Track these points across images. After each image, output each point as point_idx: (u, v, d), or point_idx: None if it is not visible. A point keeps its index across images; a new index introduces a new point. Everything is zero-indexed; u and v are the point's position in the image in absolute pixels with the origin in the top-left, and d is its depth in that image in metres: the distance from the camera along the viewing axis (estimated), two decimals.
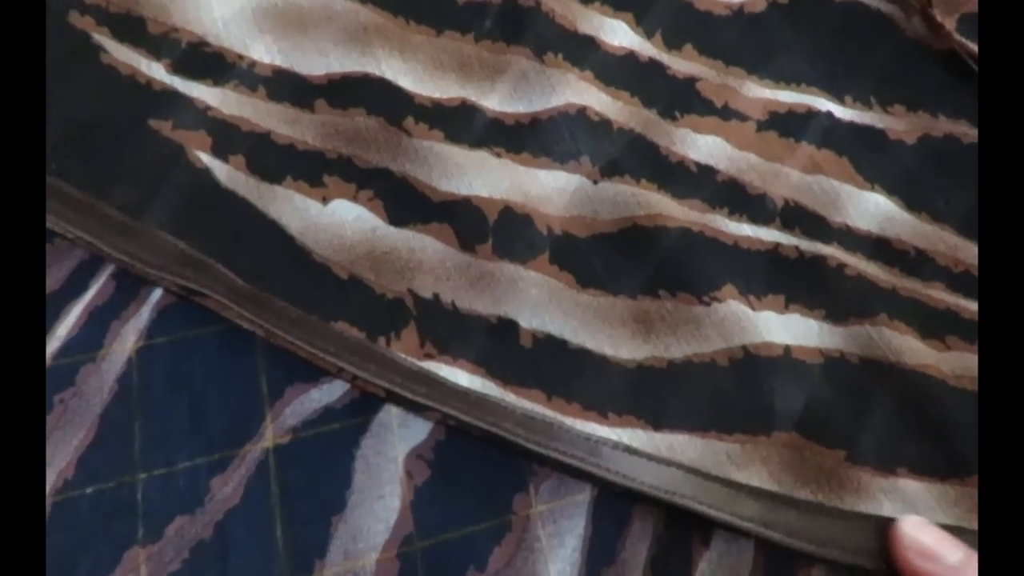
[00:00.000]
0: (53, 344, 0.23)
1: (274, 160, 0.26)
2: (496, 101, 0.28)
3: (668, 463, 0.22)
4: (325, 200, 0.26)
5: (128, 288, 0.24)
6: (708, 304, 0.25)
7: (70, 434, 0.22)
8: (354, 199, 0.26)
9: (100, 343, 0.23)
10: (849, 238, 0.26)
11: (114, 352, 0.23)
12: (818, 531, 0.22)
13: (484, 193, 0.27)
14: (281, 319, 0.24)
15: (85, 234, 0.24)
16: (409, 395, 0.23)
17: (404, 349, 0.24)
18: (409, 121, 0.27)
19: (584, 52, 0.30)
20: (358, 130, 0.27)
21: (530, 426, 0.23)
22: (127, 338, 0.23)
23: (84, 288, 0.24)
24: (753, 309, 0.25)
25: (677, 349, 0.24)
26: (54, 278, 0.24)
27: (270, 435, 0.22)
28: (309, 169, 0.26)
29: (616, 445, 0.23)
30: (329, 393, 0.23)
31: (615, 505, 0.22)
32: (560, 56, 0.29)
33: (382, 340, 0.24)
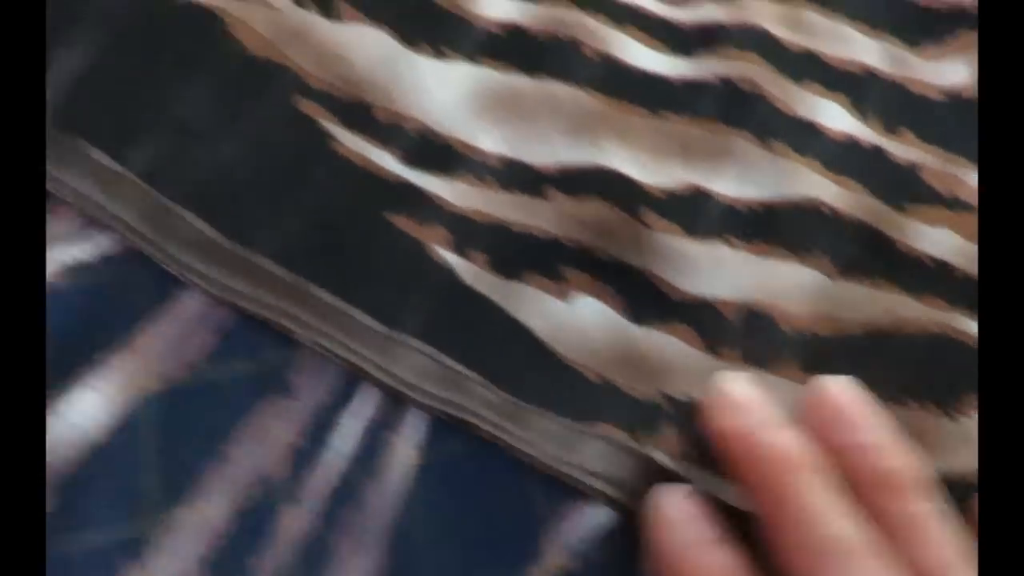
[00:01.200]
0: (329, 457, 0.23)
1: (514, 254, 0.26)
2: (725, 187, 0.28)
3: None
4: (567, 297, 0.26)
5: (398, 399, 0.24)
6: (954, 419, 0.25)
7: (358, 561, 0.22)
8: (596, 295, 0.26)
9: (377, 456, 0.23)
10: None
11: (392, 467, 0.23)
12: None
13: (725, 293, 0.26)
14: (545, 436, 0.24)
15: (345, 352, 0.24)
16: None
17: (668, 449, 0.24)
18: (646, 213, 0.27)
19: (806, 138, 0.29)
20: (597, 221, 0.27)
21: None
22: (404, 453, 0.23)
23: (349, 397, 0.24)
24: None
25: (928, 465, 0.24)
26: (322, 388, 0.24)
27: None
28: (549, 262, 0.26)
29: None
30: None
31: None
32: (784, 143, 0.29)
33: (645, 440, 0.24)
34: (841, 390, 0.21)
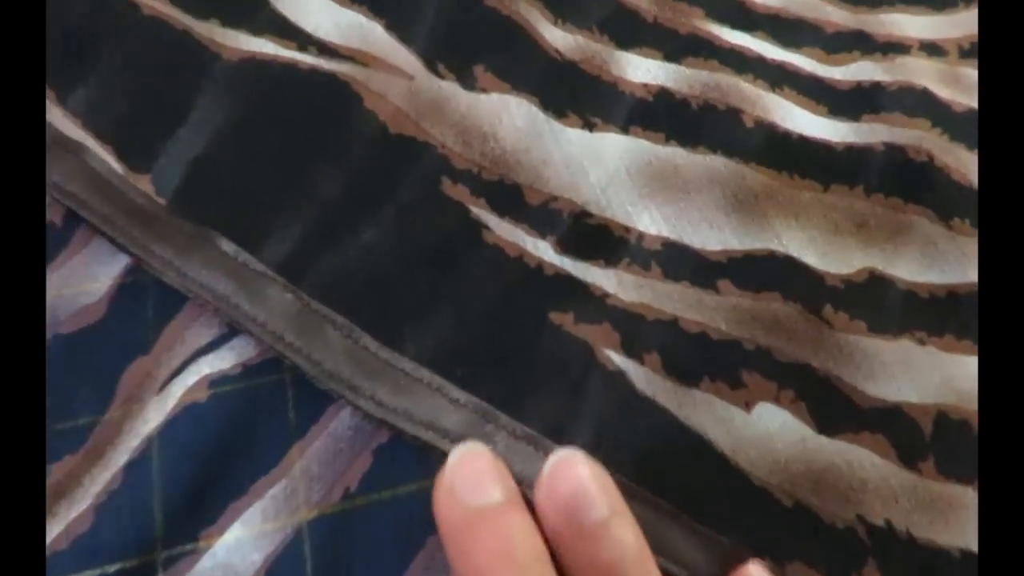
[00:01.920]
0: None
1: (689, 355, 0.23)
2: (905, 270, 0.25)
3: None
4: (748, 405, 0.22)
5: None
6: None
7: None
8: (776, 401, 0.23)
9: None
10: None
11: None
12: None
13: (915, 398, 0.23)
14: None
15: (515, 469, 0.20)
16: None
17: None
18: (828, 310, 0.24)
19: None
20: (776, 318, 0.23)
21: None
22: None
23: None
24: None
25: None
26: None
27: None
28: (727, 365, 0.23)
29: None
30: None
31: None
32: (967, 222, 0.25)
33: None
34: (571, 466, 0.18)
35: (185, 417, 0.20)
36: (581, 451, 0.18)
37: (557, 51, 0.27)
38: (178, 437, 0.20)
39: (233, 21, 0.25)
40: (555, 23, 0.27)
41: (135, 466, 0.19)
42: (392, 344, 0.22)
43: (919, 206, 0.26)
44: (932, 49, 0.30)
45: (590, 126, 0.25)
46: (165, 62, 0.24)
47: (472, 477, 0.17)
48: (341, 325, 0.21)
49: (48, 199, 0.22)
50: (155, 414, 0.20)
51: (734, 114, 0.26)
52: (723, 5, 0.29)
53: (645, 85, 0.26)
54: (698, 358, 0.23)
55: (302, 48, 0.25)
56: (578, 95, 0.26)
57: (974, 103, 0.28)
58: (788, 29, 0.29)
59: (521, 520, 0.17)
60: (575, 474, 0.17)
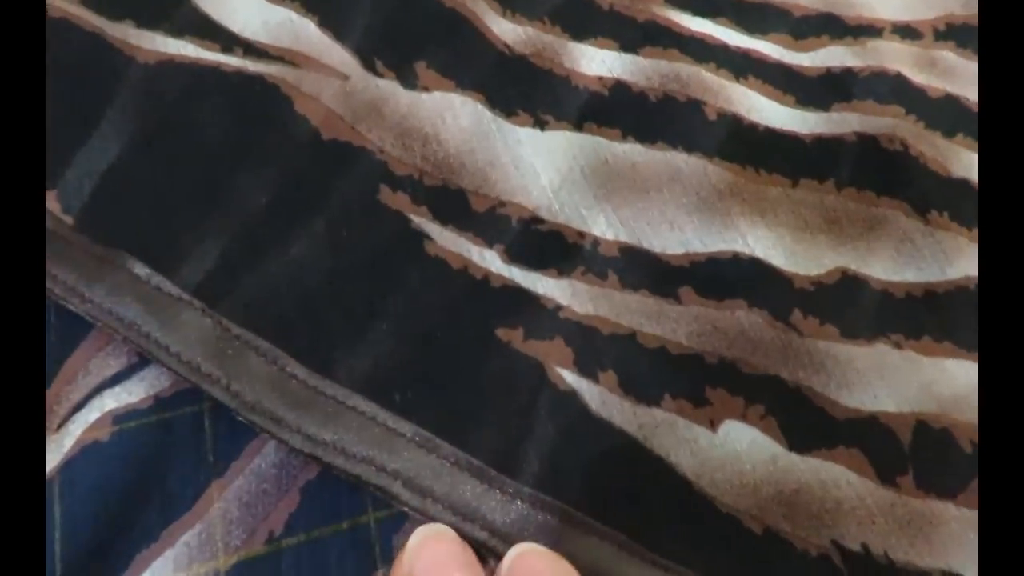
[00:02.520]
0: None
1: (648, 372, 0.20)
2: (879, 268, 0.22)
3: None
4: (713, 424, 0.20)
5: None
6: None
7: None
8: (744, 418, 0.20)
9: None
10: None
11: None
12: None
13: (892, 407, 0.21)
14: None
15: (452, 518, 0.18)
16: None
17: None
18: (796, 315, 0.21)
19: (966, 204, 0.23)
20: (741, 328, 0.21)
21: None
22: None
23: None
24: None
25: None
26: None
27: None
28: (689, 381, 0.20)
29: None
30: None
31: None
32: (946, 215, 0.23)
33: None
34: (530, 560, 0.16)
35: (85, 458, 0.17)
36: (541, 546, 0.16)
37: (506, 45, 0.24)
38: (78, 480, 0.17)
39: (150, 21, 0.22)
40: (503, 14, 0.24)
41: None
42: (322, 370, 0.19)
43: (894, 199, 0.23)
44: (906, 32, 0.27)
45: (541, 124, 0.23)
46: (73, 67, 0.21)
47: (433, 565, 0.15)
48: (265, 351, 0.19)
49: None
50: (52, 455, 0.17)
51: (695, 106, 0.24)
52: None
53: (600, 78, 0.24)
54: (658, 375, 0.20)
55: (227, 49, 0.22)
56: (528, 91, 0.23)
57: (950, 88, 0.26)
58: (753, 14, 0.26)
59: None
60: (535, 569, 0.15)
